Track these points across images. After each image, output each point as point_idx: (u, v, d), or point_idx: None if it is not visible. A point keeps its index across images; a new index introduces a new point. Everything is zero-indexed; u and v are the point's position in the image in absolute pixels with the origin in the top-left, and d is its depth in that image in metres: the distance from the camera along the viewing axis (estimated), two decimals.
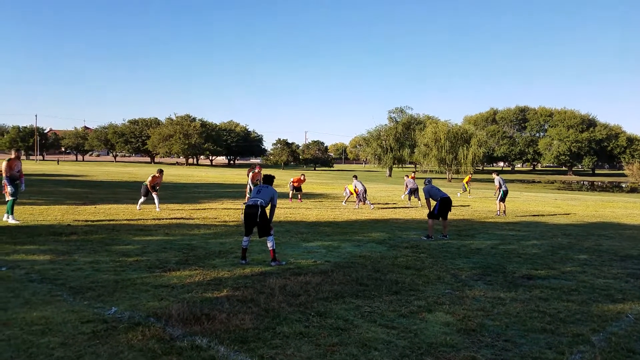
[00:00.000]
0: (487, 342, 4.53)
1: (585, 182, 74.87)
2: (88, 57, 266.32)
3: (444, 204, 11.36)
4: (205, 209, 15.71)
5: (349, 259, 8.26)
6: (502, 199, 17.17)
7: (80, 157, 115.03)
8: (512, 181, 74.39)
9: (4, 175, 11.19)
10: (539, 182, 76.07)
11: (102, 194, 20.89)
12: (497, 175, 17.86)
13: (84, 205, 15.25)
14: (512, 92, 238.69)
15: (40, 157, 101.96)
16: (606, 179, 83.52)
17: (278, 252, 8.51)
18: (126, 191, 23.13)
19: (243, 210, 7.86)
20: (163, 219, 12.73)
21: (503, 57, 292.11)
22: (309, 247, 9.43)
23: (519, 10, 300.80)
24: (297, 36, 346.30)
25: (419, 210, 18.05)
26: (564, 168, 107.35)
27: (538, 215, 17.72)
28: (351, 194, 19.24)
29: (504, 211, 17.34)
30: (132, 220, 12.25)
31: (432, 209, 11.42)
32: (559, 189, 54.06)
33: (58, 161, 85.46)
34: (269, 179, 8.35)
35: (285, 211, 15.83)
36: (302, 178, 20.49)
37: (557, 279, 7.29)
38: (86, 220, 11.76)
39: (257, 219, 7.56)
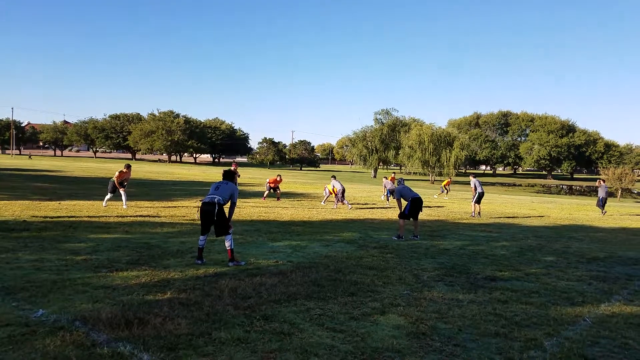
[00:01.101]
0: (436, 346, 4.31)
1: (564, 186, 76.05)
2: (69, 50, 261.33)
3: (415, 204, 11.30)
4: (176, 206, 15.30)
5: (313, 259, 8.01)
6: (478, 201, 17.30)
7: (58, 152, 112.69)
8: (493, 184, 75.28)
9: None
10: (520, 185, 76.97)
11: (72, 189, 20.28)
12: (474, 177, 18.02)
13: (48, 201, 14.71)
14: (496, 97, 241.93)
15: (17, 152, 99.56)
16: (584, 184, 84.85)
17: (241, 252, 8.23)
18: (98, 187, 22.50)
19: (199, 208, 7.51)
20: (127, 216, 12.31)
21: (489, 60, 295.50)
22: (275, 246, 9.15)
23: (507, 12, 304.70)
24: (286, 35, 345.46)
25: (396, 211, 17.90)
26: (544, 172, 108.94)
27: (512, 217, 17.72)
28: (330, 193, 19.02)
29: (479, 212, 17.37)
30: (94, 217, 11.82)
31: (402, 209, 11.31)
32: (537, 193, 54.75)
33: (30, 156, 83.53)
34: (229, 175, 8.03)
35: (259, 210, 15.53)
36: (278, 179, 20.41)
37: (520, 280, 7.14)
38: (45, 217, 11.28)
39: (214, 217, 7.24)
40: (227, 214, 7.45)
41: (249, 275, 6.57)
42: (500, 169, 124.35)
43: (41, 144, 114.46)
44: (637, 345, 4.55)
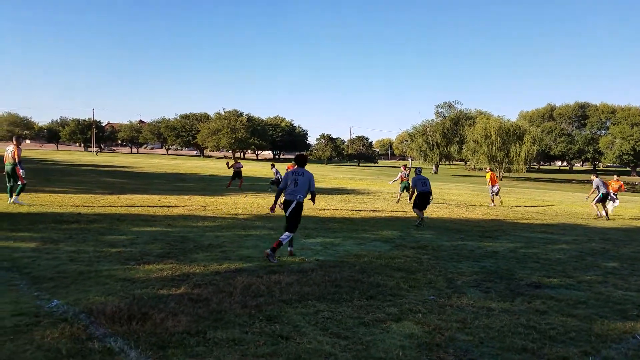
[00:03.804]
0: None
1: None
2: (147, 53, 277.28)
3: (421, 197, 12.32)
4: (226, 202, 15.49)
5: (341, 258, 7.72)
6: (601, 201, 16.34)
7: (134, 150, 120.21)
8: (569, 181, 70.35)
9: (17, 160, 11.53)
10: None
11: (137, 184, 21.38)
12: (597, 177, 16.95)
13: (109, 195, 15.54)
14: (571, 88, 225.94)
15: (97, 149, 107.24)
16: None
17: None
18: (161, 182, 23.61)
19: (282, 203, 7.65)
20: (176, 206, 12.71)
21: (563, 50, 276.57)
22: (307, 243, 8.95)
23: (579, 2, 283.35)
24: (343, 30, 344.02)
25: (447, 209, 17.11)
26: (627, 168, 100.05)
27: (581, 218, 16.31)
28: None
29: (606, 214, 16.34)
30: (145, 210, 12.25)
31: (413, 199, 12.61)
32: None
33: (97, 152, 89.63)
34: (303, 160, 7.77)
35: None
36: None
37: (569, 289, 6.42)
38: (102, 207, 11.89)
39: (290, 213, 7.39)
40: (300, 213, 7.51)
41: (268, 272, 6.42)
42: (577, 165, 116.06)
43: (119, 142, 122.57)
44: None
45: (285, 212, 7.44)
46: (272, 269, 6.62)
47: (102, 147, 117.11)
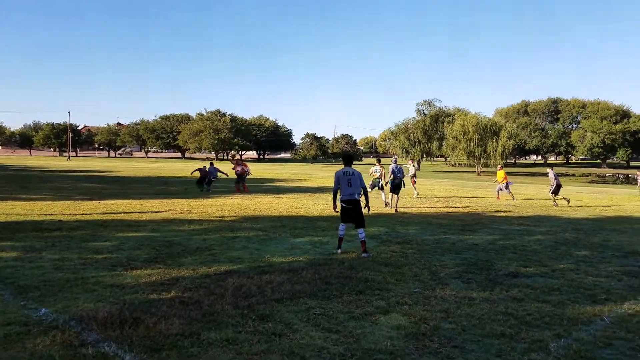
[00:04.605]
0: (433, 348, 4.10)
1: (620, 175, 71.50)
2: (121, 54, 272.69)
3: (393, 185, 15.19)
4: (211, 205, 15.42)
5: (330, 256, 7.90)
6: (555, 192, 18.05)
7: (112, 153, 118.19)
8: (544, 174, 72.04)
9: None
10: (573, 175, 73.16)
11: (116, 189, 21.18)
12: (551, 169, 18.61)
13: (89, 201, 15.39)
14: (545, 84, 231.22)
15: (73, 154, 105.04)
16: None
17: (259, 250, 8.30)
18: (142, 187, 23.41)
19: (341, 206, 8.18)
20: (160, 211, 12.69)
21: (537, 47, 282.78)
22: (296, 242, 9.11)
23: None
24: (325, 29, 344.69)
25: (430, 204, 17.47)
26: (598, 161, 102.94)
27: (555, 209, 16.85)
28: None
29: (566, 201, 18.19)
30: (128, 215, 12.20)
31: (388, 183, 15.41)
32: (590, 182, 51.83)
33: (69, 157, 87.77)
34: (350, 159, 8.38)
35: (290, 205, 15.57)
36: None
37: (544, 277, 6.73)
38: (83, 214, 11.81)
39: (355, 213, 7.98)
40: (362, 207, 8.17)
41: (259, 273, 6.55)
42: (551, 159, 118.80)
43: (96, 145, 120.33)
44: None
45: (349, 213, 7.99)
46: (263, 270, 6.75)
47: (77, 151, 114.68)
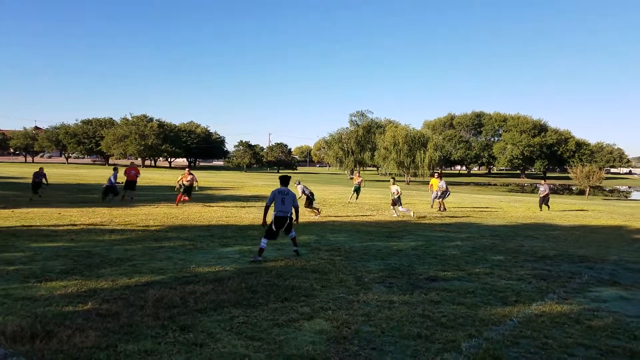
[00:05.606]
0: (353, 351, 4.25)
1: (538, 185, 77.34)
2: (40, 53, 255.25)
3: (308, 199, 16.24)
4: (135, 213, 14.87)
5: (258, 264, 7.89)
6: (442, 198, 20.02)
7: (30, 159, 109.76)
8: (467, 184, 76.24)
9: None
10: (494, 184, 78.14)
11: (34, 196, 19.67)
12: (440, 178, 20.63)
13: (2, 209, 14.24)
14: (470, 98, 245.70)
15: None
16: (557, 182, 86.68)
17: (184, 260, 8.12)
18: (61, 194, 21.97)
19: (273, 220, 8.58)
20: (79, 223, 11.98)
21: (462, 60, 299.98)
22: (224, 252, 8.99)
23: (479, 15, 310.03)
24: (262, 36, 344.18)
25: (360, 212, 17.91)
26: (517, 171, 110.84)
27: (476, 217, 17.91)
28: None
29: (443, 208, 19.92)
30: (44, 225, 11.43)
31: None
32: (510, 191, 55.63)
33: None
34: (286, 180, 8.84)
35: (221, 213, 15.31)
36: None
37: (461, 280, 7.17)
38: None
39: (285, 226, 8.61)
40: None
41: (183, 283, 6.42)
42: (475, 169, 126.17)
43: (12, 150, 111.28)
44: (557, 346, 4.57)
45: (280, 227, 8.55)
46: (187, 280, 6.61)
47: None
